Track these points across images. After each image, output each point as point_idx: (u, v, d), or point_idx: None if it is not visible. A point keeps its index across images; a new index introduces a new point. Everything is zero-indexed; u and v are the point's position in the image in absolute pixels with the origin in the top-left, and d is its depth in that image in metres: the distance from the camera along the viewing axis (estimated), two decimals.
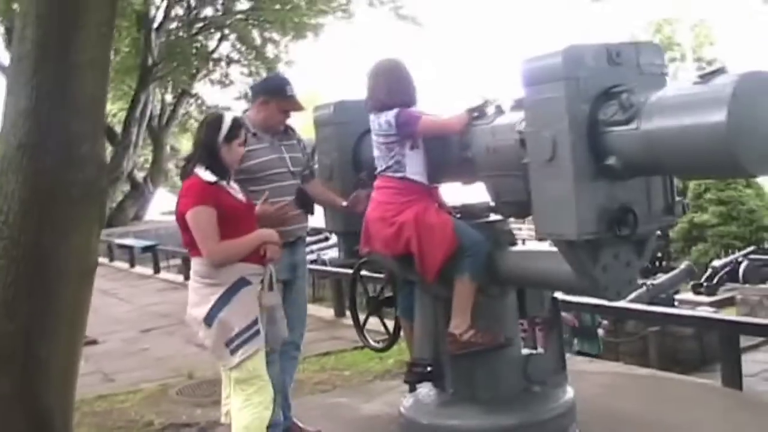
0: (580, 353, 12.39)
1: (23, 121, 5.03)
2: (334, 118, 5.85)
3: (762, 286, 18.40)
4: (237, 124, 5.09)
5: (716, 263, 20.56)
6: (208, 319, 4.85)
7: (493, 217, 5.30)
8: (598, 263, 4.29)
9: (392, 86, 5.21)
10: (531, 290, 5.35)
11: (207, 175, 4.91)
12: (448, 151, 5.15)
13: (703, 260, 21.87)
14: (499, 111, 4.95)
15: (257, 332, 4.90)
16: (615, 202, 4.16)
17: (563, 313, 11.96)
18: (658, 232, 5.05)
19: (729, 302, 17.97)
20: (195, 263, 4.99)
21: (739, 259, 20.11)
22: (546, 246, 5.10)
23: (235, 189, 5.09)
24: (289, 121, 5.97)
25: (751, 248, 21.41)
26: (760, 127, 3.56)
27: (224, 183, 4.98)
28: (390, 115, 5.10)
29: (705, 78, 3.71)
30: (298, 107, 5.88)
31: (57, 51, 5.06)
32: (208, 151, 4.98)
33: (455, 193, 5.59)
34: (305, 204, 5.82)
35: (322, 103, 6.10)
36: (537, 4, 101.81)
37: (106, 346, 11.05)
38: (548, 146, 4.13)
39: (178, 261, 19.76)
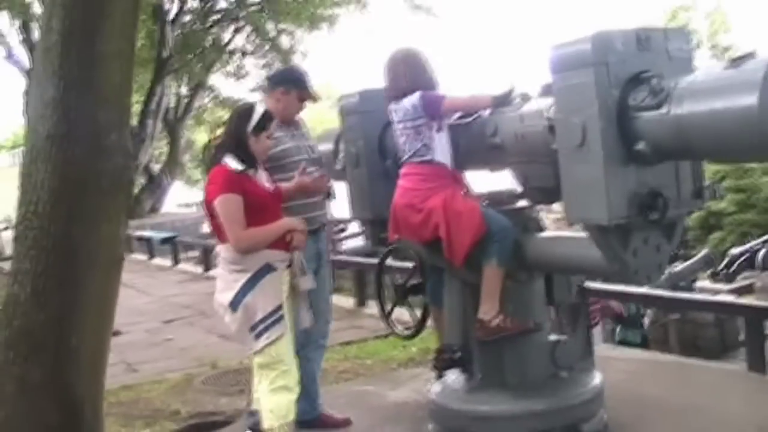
0: (622, 342, 12.34)
1: (51, 111, 5.05)
2: (360, 106, 5.86)
3: None
4: (267, 116, 5.14)
5: (734, 251, 20.43)
6: (234, 304, 4.91)
7: (520, 203, 5.32)
8: (629, 248, 4.32)
9: (412, 72, 5.27)
10: (558, 276, 5.37)
11: (234, 164, 4.96)
12: (476, 138, 5.16)
13: (720, 248, 21.77)
14: (527, 97, 4.96)
15: (281, 318, 4.95)
16: (645, 186, 4.19)
17: (612, 302, 11.93)
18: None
19: (747, 290, 17.87)
20: (222, 250, 5.04)
21: (757, 247, 19.99)
22: (573, 232, 5.12)
23: (262, 178, 5.12)
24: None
25: None
26: None
27: (251, 172, 5.02)
28: (414, 98, 5.15)
29: (735, 62, 3.73)
30: (317, 97, 6.04)
31: (83, 41, 5.07)
32: (236, 140, 5.03)
33: (483, 180, 5.61)
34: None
35: (347, 93, 6.12)
36: None
37: (129, 337, 11.07)
38: (578, 132, 4.15)
39: (196, 253, 19.81)
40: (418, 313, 5.78)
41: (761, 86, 3.50)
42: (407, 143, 5.23)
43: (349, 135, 5.96)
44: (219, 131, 5.35)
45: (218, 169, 4.99)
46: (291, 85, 5.94)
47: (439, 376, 5.76)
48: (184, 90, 35.75)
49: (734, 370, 7.36)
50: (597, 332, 10.47)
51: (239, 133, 5.04)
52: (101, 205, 5.17)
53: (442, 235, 5.03)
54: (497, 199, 5.33)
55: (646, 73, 4.12)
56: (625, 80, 4.13)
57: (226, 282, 5.00)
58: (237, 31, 31.06)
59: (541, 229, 5.36)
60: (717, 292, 16.75)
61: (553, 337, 5.42)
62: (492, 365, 5.31)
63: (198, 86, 34.05)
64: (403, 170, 5.32)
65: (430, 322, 5.78)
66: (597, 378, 5.36)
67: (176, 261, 20.01)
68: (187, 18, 30.35)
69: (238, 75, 32.43)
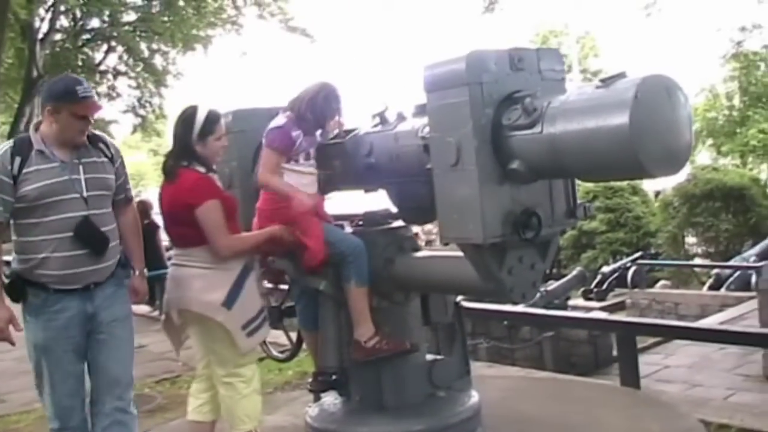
0: None
1: None
2: (233, 126, 5.71)
3: (650, 290, 18.83)
4: (211, 118, 5.04)
5: (605, 269, 20.99)
6: (228, 303, 4.90)
7: (395, 223, 5.31)
8: (504, 266, 4.32)
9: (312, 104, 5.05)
10: (435, 296, 5.36)
11: (200, 168, 4.97)
12: (351, 158, 5.12)
13: (592, 266, 22.25)
14: (401, 117, 4.94)
15: (266, 318, 5.09)
16: (519, 205, 4.19)
17: None
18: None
19: (619, 307, 18.37)
20: (199, 251, 4.95)
21: (627, 265, 20.50)
22: (448, 252, 5.12)
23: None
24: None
25: (638, 254, 21.83)
26: (660, 129, 3.65)
27: (215, 177, 5.08)
28: (276, 120, 5.07)
29: (606, 82, 3.77)
30: (95, 108, 4.92)
31: None
32: (184, 148, 4.99)
33: (357, 201, 5.59)
34: (90, 240, 4.75)
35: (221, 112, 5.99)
36: (427, 18, 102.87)
37: None
38: (452, 151, 4.13)
39: None
40: (294, 336, 5.71)
41: (632, 105, 3.55)
42: None
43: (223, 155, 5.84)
44: None
45: (192, 175, 4.96)
46: (58, 101, 4.69)
47: (316, 399, 5.70)
48: None
49: (608, 386, 7.47)
50: None
51: (185, 140, 4.98)
52: None
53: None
54: (372, 219, 5.31)
55: (519, 92, 4.14)
56: (498, 100, 4.13)
57: (210, 282, 4.93)
58: (109, 50, 30.58)
59: (417, 249, 5.35)
60: (590, 309, 17.14)
61: (430, 357, 5.42)
62: (369, 387, 5.27)
63: None
64: None
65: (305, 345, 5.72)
66: (474, 396, 5.38)
67: None
68: (58, 37, 29.75)
69: (110, 96, 31.86)
